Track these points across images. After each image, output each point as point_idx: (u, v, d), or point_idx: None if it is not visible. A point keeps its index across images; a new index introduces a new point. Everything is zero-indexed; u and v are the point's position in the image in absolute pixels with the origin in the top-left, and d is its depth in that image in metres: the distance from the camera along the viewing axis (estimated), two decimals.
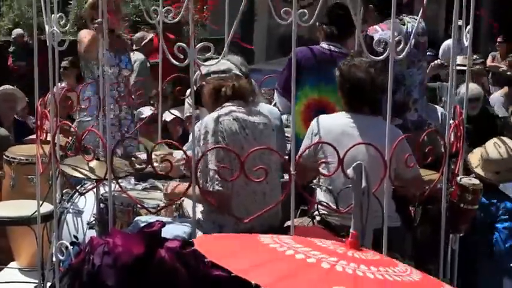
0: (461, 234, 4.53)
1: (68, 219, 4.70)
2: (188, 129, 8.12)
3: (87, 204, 4.64)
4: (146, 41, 8.93)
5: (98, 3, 4.93)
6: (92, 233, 4.42)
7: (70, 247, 4.19)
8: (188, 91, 8.45)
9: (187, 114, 8.09)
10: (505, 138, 5.23)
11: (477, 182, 4.43)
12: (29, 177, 5.34)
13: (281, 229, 4.01)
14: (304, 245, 2.11)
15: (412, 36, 3.86)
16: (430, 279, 2.17)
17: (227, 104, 3.85)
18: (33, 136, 6.03)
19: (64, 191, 4.85)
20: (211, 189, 3.70)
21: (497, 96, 9.11)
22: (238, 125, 3.78)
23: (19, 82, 9.82)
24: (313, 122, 3.99)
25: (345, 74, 4.00)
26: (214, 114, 3.80)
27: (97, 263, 3.59)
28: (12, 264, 5.41)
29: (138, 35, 9.72)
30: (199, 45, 3.55)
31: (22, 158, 5.39)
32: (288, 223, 4.09)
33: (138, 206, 4.17)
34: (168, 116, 7.11)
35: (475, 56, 8.34)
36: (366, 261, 2.06)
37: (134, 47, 10.43)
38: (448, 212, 4.32)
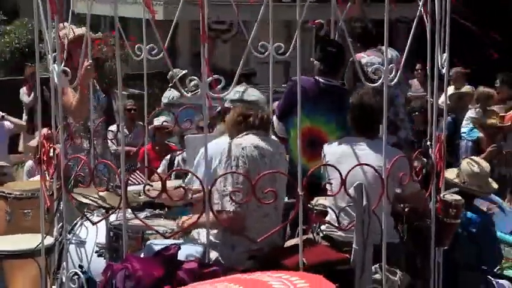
0: (445, 248, 4.86)
1: (71, 249, 4.84)
2: None
3: (90, 234, 4.78)
4: None
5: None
6: (100, 261, 4.59)
7: (82, 275, 4.37)
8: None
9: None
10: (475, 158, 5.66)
11: (459, 197, 4.79)
12: (25, 211, 5.47)
13: (284, 248, 4.27)
14: None
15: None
16: None
17: (249, 132, 4.13)
18: None
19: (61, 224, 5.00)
20: (228, 209, 3.93)
21: None
22: (258, 153, 4.06)
23: None
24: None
25: (357, 102, 4.36)
26: (239, 140, 4.06)
27: (120, 287, 3.78)
28: None
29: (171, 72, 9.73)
30: (209, 79, 3.82)
31: (17, 193, 5.53)
32: (291, 242, 4.36)
33: (148, 232, 4.37)
34: None
35: None
36: None
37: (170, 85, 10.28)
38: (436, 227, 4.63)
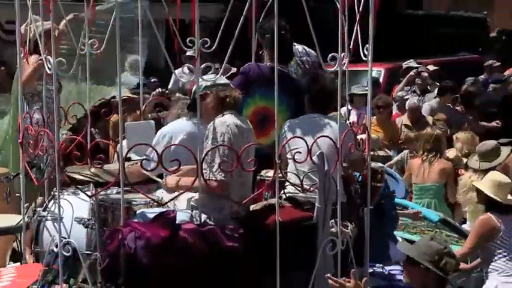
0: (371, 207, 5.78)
1: (48, 225, 5.32)
2: None
3: (65, 210, 5.25)
4: None
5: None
6: (80, 232, 5.10)
7: (74, 243, 4.88)
8: None
9: None
10: None
11: (382, 165, 5.78)
12: None
13: (258, 210, 5.00)
14: None
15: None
16: None
17: (228, 112, 4.78)
18: None
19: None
20: (218, 178, 4.59)
21: None
22: (238, 130, 4.73)
23: None
24: (284, 125, 5.16)
25: (316, 82, 5.15)
26: (223, 119, 4.71)
27: (132, 246, 4.38)
28: None
29: None
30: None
31: None
32: (253, 207, 5.10)
33: (134, 203, 4.97)
34: None
35: None
36: None
37: None
38: (362, 190, 5.54)
